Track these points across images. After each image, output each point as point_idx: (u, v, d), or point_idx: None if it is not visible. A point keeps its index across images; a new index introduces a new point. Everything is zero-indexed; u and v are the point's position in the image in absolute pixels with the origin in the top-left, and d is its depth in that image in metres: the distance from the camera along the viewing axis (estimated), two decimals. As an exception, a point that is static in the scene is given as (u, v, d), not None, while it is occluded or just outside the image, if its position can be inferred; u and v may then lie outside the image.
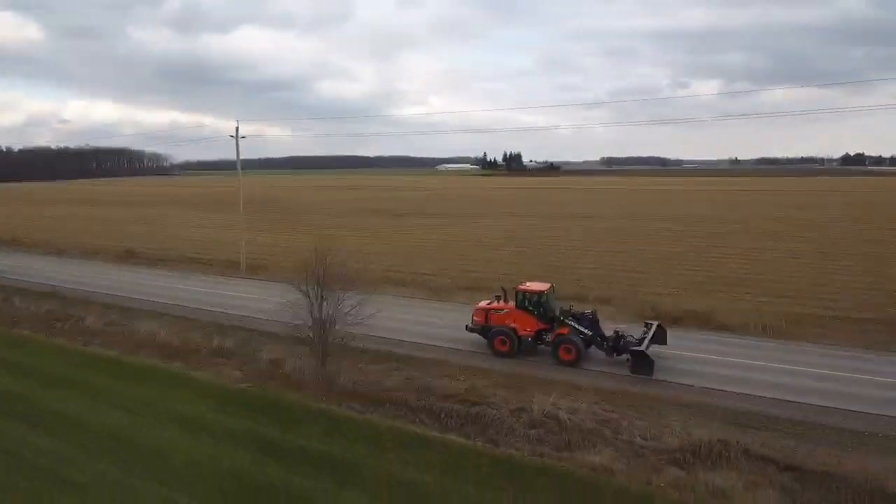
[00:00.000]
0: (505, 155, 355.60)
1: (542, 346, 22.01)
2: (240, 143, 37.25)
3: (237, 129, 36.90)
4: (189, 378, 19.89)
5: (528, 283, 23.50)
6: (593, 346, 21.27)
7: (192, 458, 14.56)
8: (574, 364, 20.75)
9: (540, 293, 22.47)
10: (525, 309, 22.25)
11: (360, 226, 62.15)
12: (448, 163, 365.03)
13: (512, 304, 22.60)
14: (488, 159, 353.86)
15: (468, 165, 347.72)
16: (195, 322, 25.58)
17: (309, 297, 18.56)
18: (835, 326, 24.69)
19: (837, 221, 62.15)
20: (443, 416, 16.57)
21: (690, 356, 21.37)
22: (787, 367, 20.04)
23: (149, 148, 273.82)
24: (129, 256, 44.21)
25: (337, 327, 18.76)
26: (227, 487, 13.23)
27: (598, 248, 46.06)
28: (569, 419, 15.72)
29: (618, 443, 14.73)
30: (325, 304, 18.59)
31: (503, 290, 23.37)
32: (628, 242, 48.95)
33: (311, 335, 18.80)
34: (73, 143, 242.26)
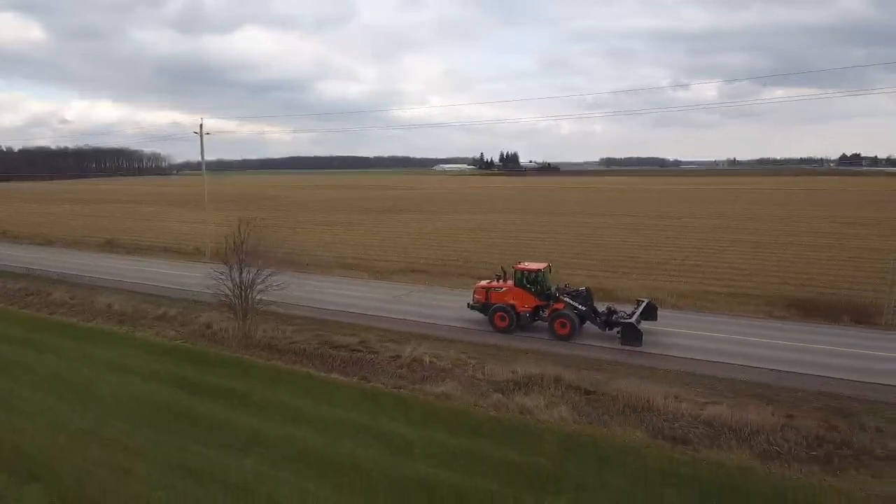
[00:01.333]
0: (502, 155, 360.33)
1: (539, 321, 23.20)
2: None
3: (201, 126, 40.29)
4: (132, 338, 23.28)
5: (525, 263, 24.78)
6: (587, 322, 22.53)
7: (119, 391, 17.83)
8: (569, 338, 21.83)
9: (537, 271, 23.59)
10: (523, 286, 23.35)
11: (340, 221, 65.61)
12: (446, 163, 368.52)
13: (511, 282, 23.84)
14: (485, 160, 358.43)
15: (465, 166, 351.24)
16: (149, 296, 29.04)
17: (230, 268, 21.94)
18: (715, 300, 27.89)
19: (791, 217, 65.25)
20: (332, 361, 19.92)
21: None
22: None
23: (147, 148, 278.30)
24: (108, 246, 47.69)
25: (255, 295, 22.13)
26: (144, 412, 16.40)
27: (548, 238, 49.29)
28: (430, 362, 19.06)
29: (462, 378, 18.05)
30: (243, 274, 21.96)
31: (503, 269, 24.76)
32: (579, 233, 52.23)
33: (233, 300, 22.19)
34: (72, 144, 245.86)
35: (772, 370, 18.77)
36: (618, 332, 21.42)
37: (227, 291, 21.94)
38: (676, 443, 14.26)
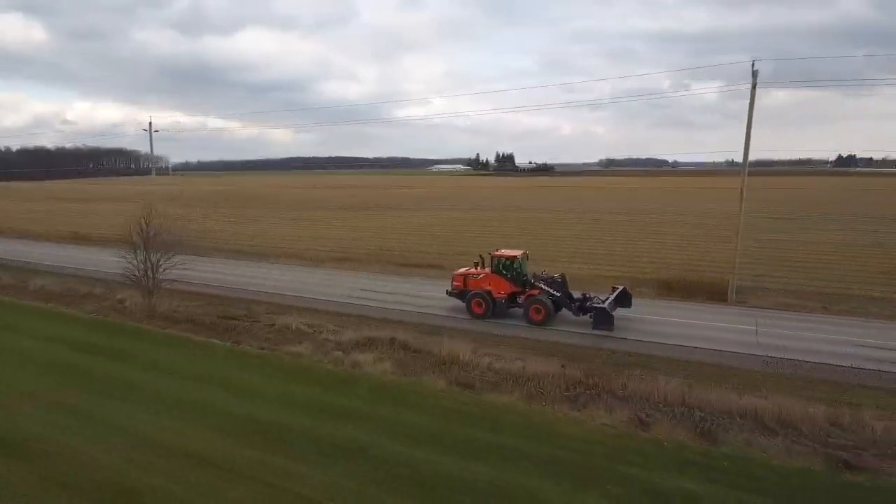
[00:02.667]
0: (497, 156, 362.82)
1: (516, 307, 23.72)
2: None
3: (150, 123, 43.53)
4: (57, 312, 26.10)
5: (502, 250, 25.18)
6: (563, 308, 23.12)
7: (28, 352, 20.50)
8: (543, 323, 22.29)
9: (513, 258, 23.93)
10: (499, 273, 23.79)
11: (307, 217, 68.40)
12: (442, 164, 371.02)
13: (488, 269, 24.35)
14: (481, 160, 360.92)
15: (460, 166, 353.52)
16: (82, 279, 31.99)
17: (136, 250, 24.78)
18: (597, 282, 30.41)
19: (722, 212, 67.62)
20: (216, 328, 22.71)
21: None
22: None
23: (144, 149, 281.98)
24: (73, 238, 50.63)
25: (159, 274, 24.95)
26: (49, 368, 18.84)
27: (497, 232, 51.74)
28: (296, 328, 21.81)
29: (316, 341, 20.80)
30: (148, 256, 24.80)
31: (481, 256, 25.15)
32: (528, 227, 54.84)
33: (140, 279, 25.04)
34: (69, 144, 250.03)
35: (584, 334, 21.60)
36: (590, 317, 21.97)
37: (135, 272, 24.73)
38: (468, 388, 16.93)
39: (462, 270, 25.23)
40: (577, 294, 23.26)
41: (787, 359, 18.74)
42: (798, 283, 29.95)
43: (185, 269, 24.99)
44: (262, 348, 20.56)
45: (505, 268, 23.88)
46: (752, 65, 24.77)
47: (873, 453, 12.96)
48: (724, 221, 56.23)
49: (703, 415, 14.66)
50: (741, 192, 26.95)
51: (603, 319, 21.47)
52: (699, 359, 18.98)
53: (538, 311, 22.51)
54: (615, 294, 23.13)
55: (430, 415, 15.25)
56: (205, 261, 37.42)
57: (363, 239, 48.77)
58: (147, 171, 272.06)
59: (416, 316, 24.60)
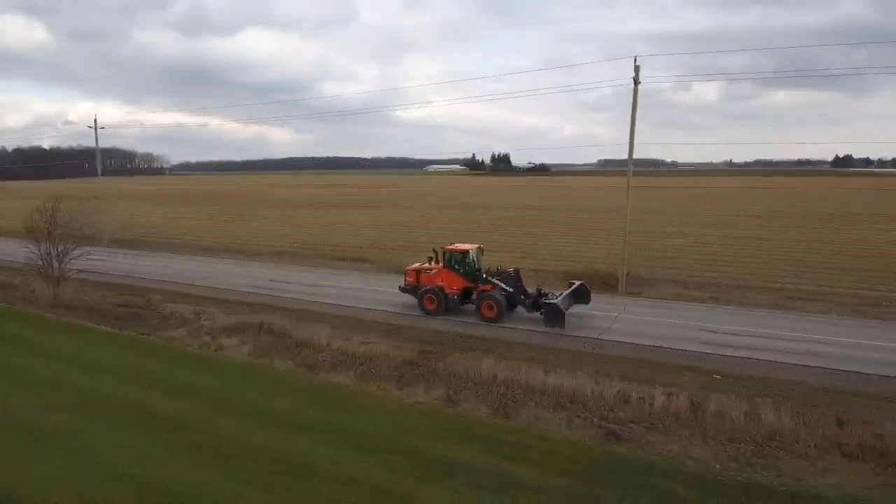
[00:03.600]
0: (493, 156, 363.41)
1: (470, 304, 22.76)
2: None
3: (95, 120, 44.24)
4: (-29, 302, 27.18)
5: (456, 244, 24.39)
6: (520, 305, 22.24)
7: None
8: (496, 320, 21.39)
9: (465, 252, 23.06)
10: (452, 268, 22.90)
11: (274, 214, 69.57)
12: (438, 164, 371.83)
13: (441, 264, 23.37)
14: (477, 160, 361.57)
15: (456, 167, 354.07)
16: (7, 269, 32.95)
17: (39, 242, 25.86)
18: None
19: (663, 210, 68.60)
20: (110, 316, 23.77)
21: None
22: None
23: (141, 149, 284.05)
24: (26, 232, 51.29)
25: (65, 264, 26.02)
26: None
27: (451, 228, 52.48)
28: (180, 315, 22.86)
29: (193, 326, 21.84)
30: (52, 248, 25.87)
31: (434, 251, 24.01)
32: (481, 224, 55.87)
33: (46, 269, 26.13)
34: (65, 144, 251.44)
35: (454, 321, 22.61)
36: (541, 314, 21.10)
37: (38, 261, 25.83)
38: (310, 369, 17.93)
39: (415, 265, 24.53)
40: (531, 290, 22.46)
41: (606, 340, 19.95)
42: (708, 276, 30.59)
43: (98, 259, 26.03)
44: (145, 333, 21.60)
45: (458, 262, 23.03)
46: (634, 60, 25.47)
47: (644, 426, 13.90)
48: (658, 217, 57.42)
49: (507, 392, 15.61)
50: (627, 188, 27.92)
51: (553, 317, 20.41)
52: (539, 342, 19.90)
53: (490, 307, 21.68)
54: (570, 290, 22.34)
55: (268, 393, 16.13)
56: (135, 253, 38.72)
57: (314, 234, 49.66)
58: (141, 171, 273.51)
59: (300, 303, 25.46)
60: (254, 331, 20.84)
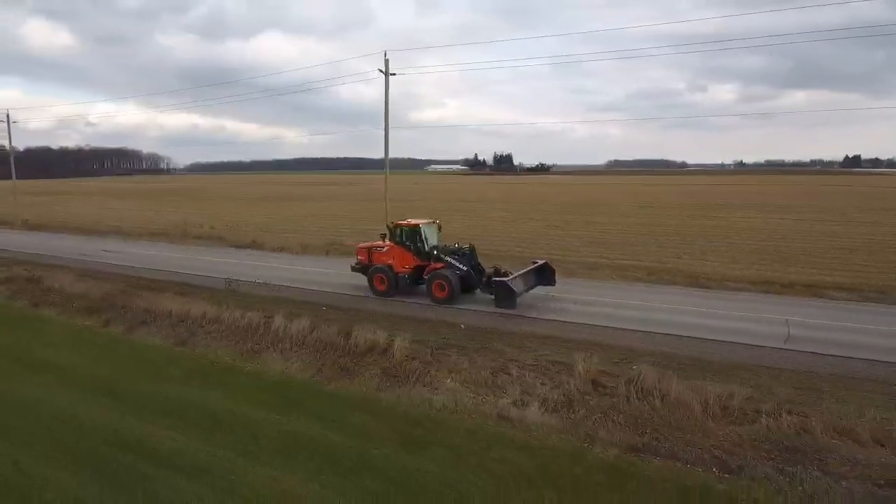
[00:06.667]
0: (496, 156, 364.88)
1: (422, 283, 20.59)
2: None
3: (7, 115, 47.20)
4: None
5: (408, 219, 22.22)
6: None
7: None
8: (448, 301, 19.39)
9: (415, 227, 20.87)
10: (402, 245, 20.90)
11: (211, 205, 72.73)
12: (438, 164, 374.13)
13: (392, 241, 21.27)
14: (479, 160, 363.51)
15: (456, 166, 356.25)
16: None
17: None
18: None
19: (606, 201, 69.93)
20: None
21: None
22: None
23: (144, 149, 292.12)
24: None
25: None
26: None
27: (360, 217, 54.91)
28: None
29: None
30: None
31: (388, 227, 21.88)
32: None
33: None
34: (73, 144, 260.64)
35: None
36: (491, 294, 19.13)
37: None
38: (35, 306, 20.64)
39: (366, 243, 22.48)
40: (489, 269, 20.17)
41: (243, 281, 22.78)
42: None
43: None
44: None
45: (408, 238, 20.90)
46: (385, 54, 26.92)
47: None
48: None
49: (191, 325, 17.78)
50: (385, 186, 31.26)
51: (504, 295, 18.45)
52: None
53: (441, 287, 19.60)
54: (529, 269, 20.23)
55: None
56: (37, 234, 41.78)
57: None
58: (148, 171, 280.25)
59: (101, 266, 28.23)
60: (21, 281, 23.69)
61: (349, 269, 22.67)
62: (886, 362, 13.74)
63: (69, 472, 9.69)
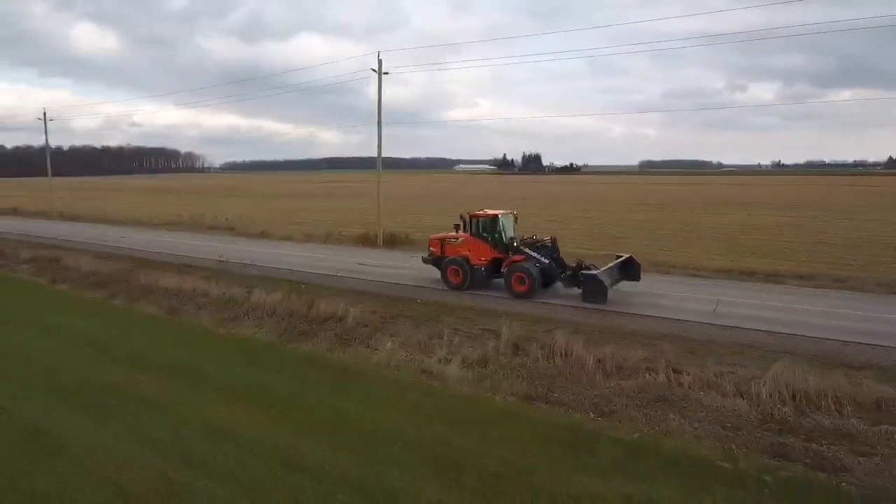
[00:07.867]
0: (524, 156, 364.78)
1: (499, 277, 19.98)
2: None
3: (45, 113, 50.91)
4: None
5: (484, 209, 21.74)
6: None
7: None
8: (528, 295, 18.75)
9: (494, 217, 20.40)
10: (479, 236, 20.36)
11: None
12: (466, 164, 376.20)
13: (468, 232, 20.72)
14: (507, 160, 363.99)
15: (484, 166, 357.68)
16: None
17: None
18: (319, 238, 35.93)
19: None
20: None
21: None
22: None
23: (184, 149, 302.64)
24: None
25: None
26: None
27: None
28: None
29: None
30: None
31: (462, 217, 21.21)
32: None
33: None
34: (115, 144, 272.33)
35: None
36: (579, 289, 18.40)
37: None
38: (53, 282, 23.22)
39: (439, 235, 22.03)
40: (572, 262, 19.70)
41: (231, 261, 25.53)
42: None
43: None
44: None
45: (486, 229, 20.40)
46: (378, 54, 28.76)
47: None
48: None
49: (182, 298, 20.09)
50: (378, 181, 33.82)
51: (593, 290, 17.71)
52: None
53: (521, 280, 18.96)
54: (616, 263, 19.66)
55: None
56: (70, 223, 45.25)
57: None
58: (184, 170, 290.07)
59: (116, 249, 31.14)
60: (45, 262, 26.38)
61: (420, 260, 22.34)
62: (786, 334, 14.94)
63: (54, 400, 11.83)
